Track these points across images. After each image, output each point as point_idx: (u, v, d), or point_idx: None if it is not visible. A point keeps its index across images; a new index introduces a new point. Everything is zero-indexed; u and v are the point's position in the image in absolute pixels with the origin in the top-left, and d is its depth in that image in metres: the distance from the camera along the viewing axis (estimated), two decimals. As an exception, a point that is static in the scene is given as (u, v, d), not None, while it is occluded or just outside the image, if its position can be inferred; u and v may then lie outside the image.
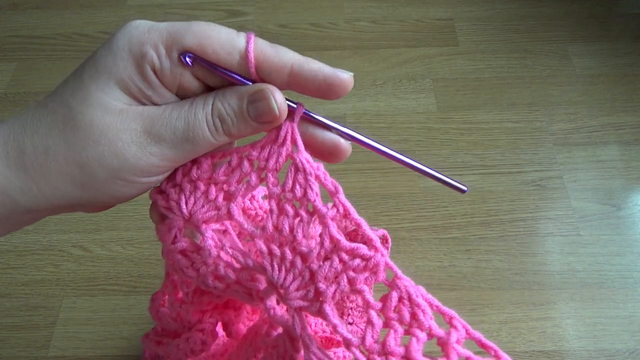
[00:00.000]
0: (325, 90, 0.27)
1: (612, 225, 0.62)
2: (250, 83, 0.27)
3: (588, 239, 0.61)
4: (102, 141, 0.26)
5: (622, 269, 0.58)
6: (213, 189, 0.29)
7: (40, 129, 0.26)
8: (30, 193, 0.27)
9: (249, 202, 0.37)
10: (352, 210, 0.28)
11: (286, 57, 0.27)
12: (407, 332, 0.26)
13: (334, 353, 0.41)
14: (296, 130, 0.28)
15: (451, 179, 0.29)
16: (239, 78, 0.27)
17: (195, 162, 0.29)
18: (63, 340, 0.55)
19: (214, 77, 0.28)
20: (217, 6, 0.86)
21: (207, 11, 0.85)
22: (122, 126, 0.26)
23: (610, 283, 0.57)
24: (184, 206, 0.29)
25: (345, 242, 0.27)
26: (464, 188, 0.30)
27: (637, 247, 0.60)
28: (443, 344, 0.26)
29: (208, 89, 0.28)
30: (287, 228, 0.28)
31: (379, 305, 0.27)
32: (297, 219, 0.28)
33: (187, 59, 0.26)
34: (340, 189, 0.28)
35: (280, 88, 0.28)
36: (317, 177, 0.28)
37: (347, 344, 0.27)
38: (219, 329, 0.38)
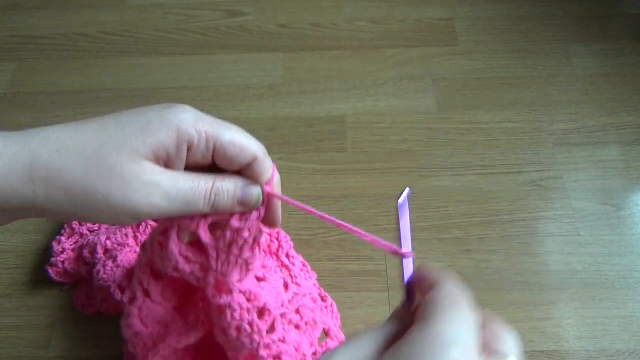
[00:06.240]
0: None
1: (612, 225, 0.62)
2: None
3: (588, 239, 0.61)
4: (116, 179, 0.30)
5: (622, 269, 0.58)
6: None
7: (62, 149, 0.30)
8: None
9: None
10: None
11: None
12: None
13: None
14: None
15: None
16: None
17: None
18: (63, 340, 0.55)
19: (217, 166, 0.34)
20: (216, 6, 0.85)
21: (207, 11, 0.85)
22: (138, 175, 0.30)
23: (610, 283, 0.57)
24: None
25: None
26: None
27: (637, 247, 0.60)
28: None
29: (207, 170, 0.34)
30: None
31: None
32: None
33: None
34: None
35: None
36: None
37: None
38: None
